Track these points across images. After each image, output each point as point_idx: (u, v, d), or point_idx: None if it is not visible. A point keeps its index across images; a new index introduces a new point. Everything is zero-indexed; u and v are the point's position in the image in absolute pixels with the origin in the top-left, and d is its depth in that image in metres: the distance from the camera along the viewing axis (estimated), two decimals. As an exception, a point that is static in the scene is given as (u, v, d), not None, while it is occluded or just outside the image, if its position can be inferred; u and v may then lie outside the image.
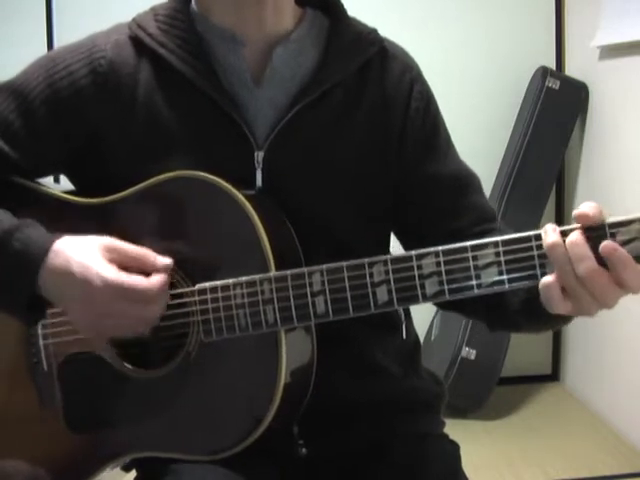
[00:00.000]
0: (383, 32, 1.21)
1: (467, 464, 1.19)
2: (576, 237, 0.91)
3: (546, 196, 3.09)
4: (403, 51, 1.22)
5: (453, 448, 1.22)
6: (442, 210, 1.17)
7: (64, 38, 2.93)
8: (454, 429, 1.26)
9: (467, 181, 1.20)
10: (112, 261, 1.03)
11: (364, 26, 1.20)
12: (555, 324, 1.07)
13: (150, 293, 1.02)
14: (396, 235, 1.23)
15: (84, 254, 1.03)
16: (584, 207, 0.93)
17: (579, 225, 0.93)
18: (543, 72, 3.06)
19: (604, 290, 0.91)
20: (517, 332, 1.18)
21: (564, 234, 0.92)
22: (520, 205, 3.03)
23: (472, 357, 2.93)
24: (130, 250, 1.04)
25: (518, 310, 1.08)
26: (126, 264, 1.03)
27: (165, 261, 1.04)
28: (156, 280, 1.02)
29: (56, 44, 3.09)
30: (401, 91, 1.17)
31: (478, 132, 3.16)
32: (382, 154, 1.16)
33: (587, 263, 0.90)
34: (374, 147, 1.15)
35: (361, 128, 1.15)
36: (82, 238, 1.05)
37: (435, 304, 1.23)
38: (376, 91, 1.16)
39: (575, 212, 0.93)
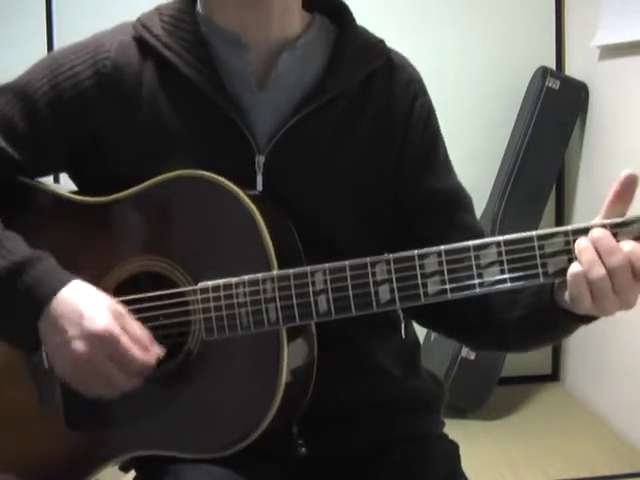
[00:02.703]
0: (385, 32, 1.21)
1: (467, 464, 1.19)
2: (600, 232, 0.93)
3: (546, 196, 3.09)
4: (408, 63, 1.22)
5: (453, 448, 1.22)
6: (432, 225, 1.17)
7: (64, 38, 2.93)
8: (454, 429, 1.26)
9: (459, 199, 1.20)
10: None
11: (372, 36, 1.20)
12: (554, 337, 1.09)
13: (137, 367, 1.02)
14: (387, 247, 1.23)
15: (93, 302, 1.03)
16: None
17: (588, 226, 0.95)
18: (543, 72, 3.06)
19: (628, 285, 0.93)
20: (503, 351, 1.20)
21: (576, 233, 0.95)
22: (520, 205, 3.03)
23: (472, 357, 2.93)
24: (136, 328, 1.03)
25: (514, 326, 1.10)
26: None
27: (158, 351, 1.04)
28: (147, 359, 1.02)
29: (56, 44, 3.09)
30: (405, 102, 1.17)
31: (478, 132, 3.16)
32: (383, 164, 1.16)
33: (617, 255, 0.92)
34: (376, 156, 1.16)
35: (363, 137, 1.15)
36: (95, 290, 1.05)
37: (420, 323, 1.24)
38: (380, 101, 1.16)
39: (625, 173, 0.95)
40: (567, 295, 0.97)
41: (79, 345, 1.00)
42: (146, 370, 1.03)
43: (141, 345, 1.02)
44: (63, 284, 1.04)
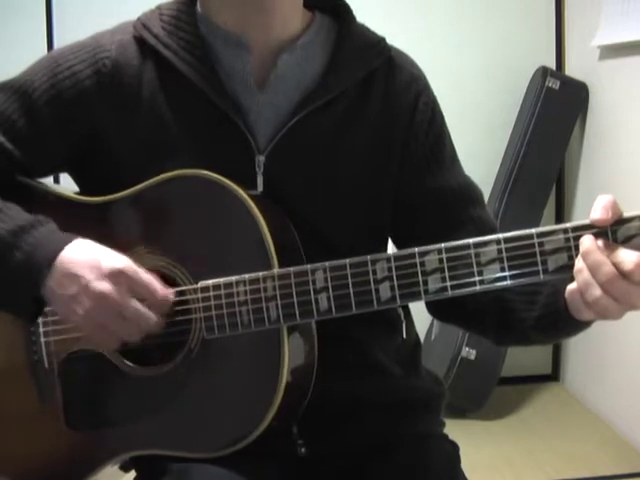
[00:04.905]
0: (385, 30, 1.20)
1: (467, 464, 1.19)
2: (588, 244, 0.92)
3: (546, 196, 3.09)
4: (410, 61, 1.21)
5: (453, 448, 1.22)
6: (441, 223, 1.17)
7: (64, 38, 2.93)
8: (454, 429, 1.26)
9: (468, 195, 1.20)
10: None
11: (373, 34, 1.20)
12: (571, 334, 1.08)
13: (160, 300, 1.03)
14: (395, 244, 1.23)
15: (104, 249, 1.05)
16: (597, 213, 0.94)
17: (587, 223, 0.94)
18: (543, 72, 3.06)
19: (625, 292, 0.91)
20: (525, 345, 1.19)
21: (576, 230, 0.94)
22: (520, 205, 3.03)
23: (472, 357, 2.94)
24: (143, 272, 1.04)
25: (533, 326, 1.09)
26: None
27: (169, 291, 1.05)
28: (168, 291, 1.04)
29: (56, 44, 3.09)
30: (406, 103, 1.17)
31: (478, 132, 3.16)
32: (384, 164, 1.16)
33: (604, 269, 0.91)
34: (376, 157, 1.15)
35: (364, 137, 1.15)
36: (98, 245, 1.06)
37: (437, 317, 1.24)
38: (380, 102, 1.16)
39: (592, 218, 0.94)
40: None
41: (100, 285, 1.02)
42: (167, 305, 1.04)
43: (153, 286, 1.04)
44: (68, 240, 1.05)
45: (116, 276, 1.02)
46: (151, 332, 1.04)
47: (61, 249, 1.04)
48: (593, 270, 0.91)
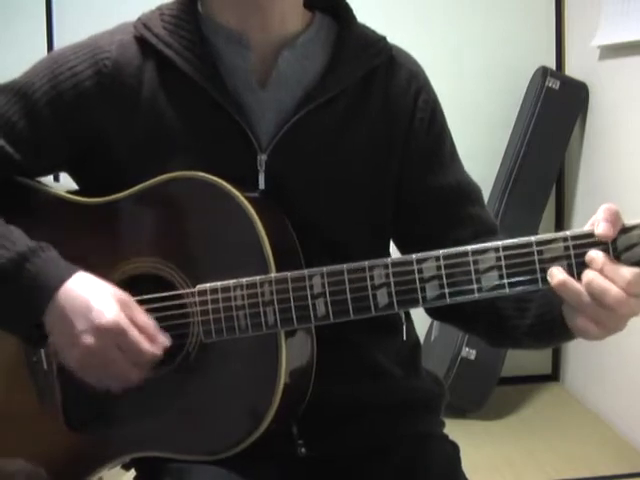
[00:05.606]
0: (385, 30, 1.20)
1: (467, 464, 1.19)
2: (591, 276, 0.92)
3: (546, 196, 3.09)
4: (410, 59, 1.21)
5: (453, 449, 1.22)
6: (441, 221, 1.17)
7: (64, 38, 2.93)
8: (454, 429, 1.26)
9: (467, 193, 1.20)
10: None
11: (373, 33, 1.20)
12: (565, 342, 1.09)
13: (146, 358, 1.02)
14: (395, 243, 1.23)
15: (100, 293, 1.03)
16: (600, 226, 0.93)
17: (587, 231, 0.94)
18: (543, 72, 3.06)
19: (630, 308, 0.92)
20: (520, 349, 1.20)
21: (575, 238, 0.93)
22: (520, 205, 3.03)
23: (472, 357, 2.93)
24: (142, 317, 1.04)
25: (526, 332, 1.09)
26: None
27: (165, 340, 1.04)
28: (153, 349, 1.03)
29: (56, 44, 3.08)
30: (406, 101, 1.17)
31: (478, 132, 3.16)
32: (385, 162, 1.16)
33: (612, 293, 0.91)
34: (377, 155, 1.15)
35: (365, 135, 1.15)
36: (99, 280, 1.05)
37: (433, 317, 1.24)
38: (381, 99, 1.16)
39: (597, 232, 0.93)
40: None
41: (88, 338, 1.01)
42: (154, 361, 1.03)
43: (148, 335, 1.03)
44: (68, 275, 1.04)
45: (102, 333, 1.01)
46: (137, 380, 1.04)
47: (59, 284, 1.03)
48: (600, 296, 0.92)
